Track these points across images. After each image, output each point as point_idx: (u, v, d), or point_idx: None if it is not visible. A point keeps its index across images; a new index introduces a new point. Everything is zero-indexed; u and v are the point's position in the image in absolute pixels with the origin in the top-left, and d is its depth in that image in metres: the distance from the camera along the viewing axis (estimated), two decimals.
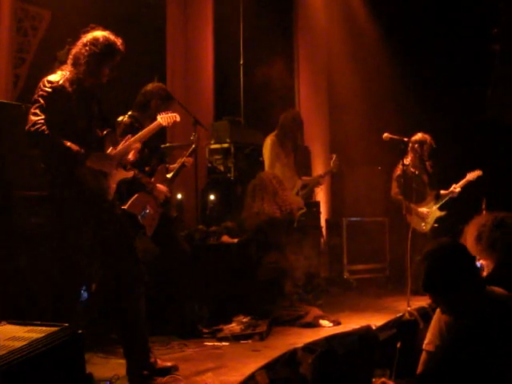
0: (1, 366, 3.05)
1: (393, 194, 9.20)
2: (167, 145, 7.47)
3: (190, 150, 6.82)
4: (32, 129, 4.61)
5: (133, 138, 5.19)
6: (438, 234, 8.94)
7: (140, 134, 5.37)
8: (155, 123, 5.63)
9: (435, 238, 8.87)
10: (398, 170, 8.97)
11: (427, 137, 9.13)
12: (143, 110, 6.42)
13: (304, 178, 8.80)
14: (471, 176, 9.15)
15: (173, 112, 5.94)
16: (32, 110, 4.68)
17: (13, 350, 3.20)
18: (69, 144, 4.64)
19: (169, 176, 6.55)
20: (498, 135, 10.42)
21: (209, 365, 5.30)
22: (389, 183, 9.46)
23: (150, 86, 6.61)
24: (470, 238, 4.63)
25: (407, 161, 9.03)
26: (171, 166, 6.68)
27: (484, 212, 4.91)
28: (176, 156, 7.23)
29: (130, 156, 5.21)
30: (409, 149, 9.08)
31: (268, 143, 8.45)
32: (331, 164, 8.97)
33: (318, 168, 10.79)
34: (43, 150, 4.78)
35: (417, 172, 9.17)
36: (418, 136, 9.13)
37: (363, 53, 11.63)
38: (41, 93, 4.73)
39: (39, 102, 4.70)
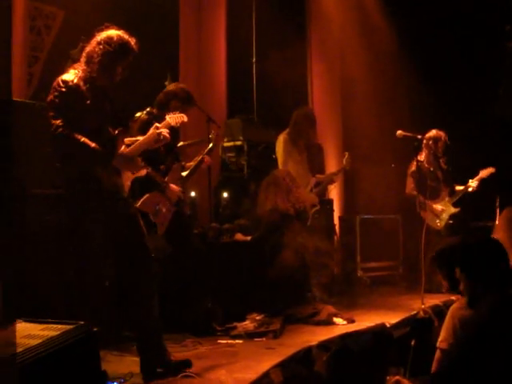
0: (17, 363, 3.07)
1: (408, 191, 9.15)
2: (181, 143, 7.47)
3: (208, 148, 6.84)
4: (56, 132, 4.63)
5: (144, 138, 5.20)
6: (452, 231, 8.93)
7: (149, 133, 5.33)
8: (164, 123, 5.64)
9: (449, 235, 8.87)
10: (413, 167, 8.95)
11: (442, 134, 9.10)
12: (162, 108, 6.42)
13: (317, 175, 8.79)
14: (484, 173, 9.12)
15: (181, 112, 5.97)
16: (51, 113, 4.70)
17: (29, 347, 3.22)
18: (94, 145, 4.67)
19: (184, 174, 6.57)
20: (510, 132, 10.39)
21: (222, 362, 5.29)
22: (403, 180, 9.43)
23: (172, 86, 6.66)
24: (501, 232, 4.66)
25: (422, 157, 9.03)
26: (187, 164, 6.70)
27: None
28: (190, 154, 7.24)
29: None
30: (423, 145, 9.08)
31: (281, 141, 8.44)
32: (344, 161, 8.95)
33: (331, 165, 10.77)
34: (69, 153, 4.78)
35: (431, 168, 9.16)
36: (433, 133, 9.11)
37: (377, 50, 11.60)
38: (56, 93, 4.75)
39: (55, 102, 4.72)
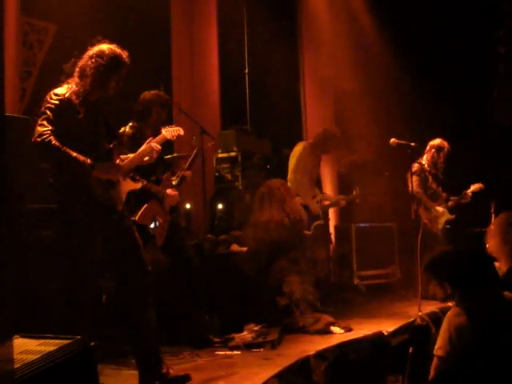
0: (15, 379, 3.06)
1: (414, 188, 8.77)
2: (174, 155, 7.48)
3: (192, 155, 6.82)
4: (39, 139, 4.63)
5: (138, 152, 5.21)
6: (449, 236, 8.94)
7: (143, 148, 5.34)
8: (160, 136, 5.64)
9: (446, 240, 8.87)
10: (416, 167, 8.91)
11: (446, 144, 9.10)
12: (144, 119, 6.40)
13: (327, 197, 8.89)
14: (475, 187, 9.17)
15: (179, 123, 5.96)
16: (39, 122, 4.71)
17: (26, 363, 3.21)
18: (75, 154, 4.66)
19: (174, 183, 6.57)
20: (505, 137, 10.42)
21: (220, 374, 5.29)
22: (398, 188, 9.41)
23: (147, 95, 6.59)
24: (494, 238, 4.68)
25: (423, 160, 9.06)
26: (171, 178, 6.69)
27: (505, 213, 4.96)
28: (182, 166, 7.24)
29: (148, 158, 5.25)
30: (426, 151, 9.10)
31: (300, 147, 8.56)
32: (354, 193, 9.07)
33: (325, 174, 10.78)
34: (50, 161, 4.80)
35: (433, 171, 9.15)
36: (437, 141, 9.11)
37: (369, 59, 11.62)
38: (48, 105, 4.75)
39: (46, 113, 4.72)
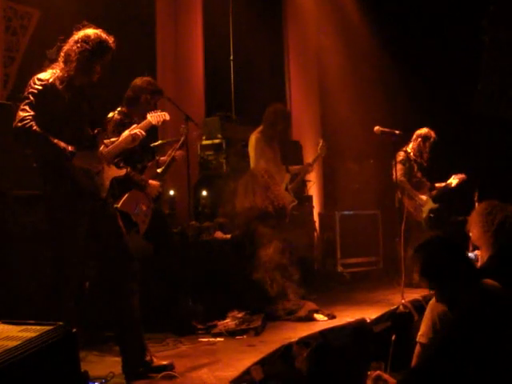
0: None
1: (398, 177, 8.75)
2: (159, 142, 7.45)
3: (180, 142, 6.79)
4: (19, 124, 4.58)
5: (122, 138, 5.17)
6: (433, 225, 8.97)
7: (127, 135, 5.31)
8: (145, 122, 5.60)
9: (430, 228, 8.90)
10: (401, 156, 8.95)
11: (432, 133, 9.11)
12: (133, 105, 6.38)
13: (291, 167, 8.73)
14: (459, 178, 9.18)
15: (163, 110, 5.93)
16: (21, 107, 4.65)
17: (7, 349, 3.20)
18: (56, 141, 4.61)
19: (159, 171, 6.55)
20: (488, 127, 10.46)
21: (204, 361, 5.30)
22: (382, 176, 9.43)
23: (138, 81, 6.57)
24: (476, 227, 4.71)
25: (409, 148, 9.07)
26: (161, 159, 6.67)
27: (485, 202, 5.01)
28: (167, 152, 7.23)
29: None
30: (412, 139, 9.11)
31: (253, 140, 8.39)
32: (318, 149, 8.90)
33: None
34: (30, 147, 4.77)
35: (418, 160, 9.16)
36: (424, 131, 9.12)
37: (353, 46, 11.63)
38: (31, 90, 4.70)
39: (29, 98, 4.66)
